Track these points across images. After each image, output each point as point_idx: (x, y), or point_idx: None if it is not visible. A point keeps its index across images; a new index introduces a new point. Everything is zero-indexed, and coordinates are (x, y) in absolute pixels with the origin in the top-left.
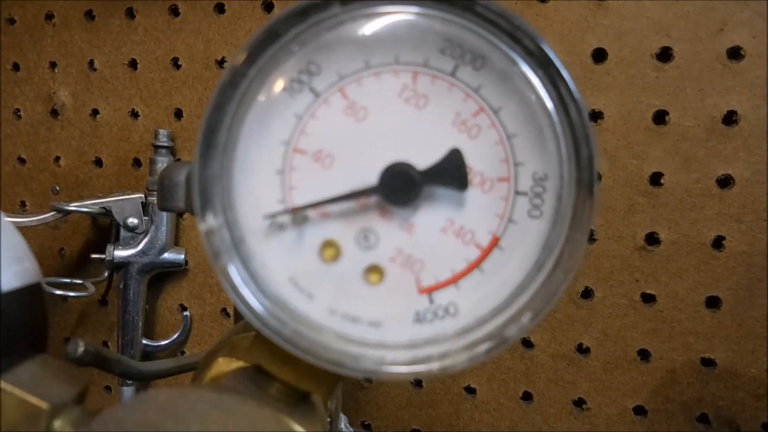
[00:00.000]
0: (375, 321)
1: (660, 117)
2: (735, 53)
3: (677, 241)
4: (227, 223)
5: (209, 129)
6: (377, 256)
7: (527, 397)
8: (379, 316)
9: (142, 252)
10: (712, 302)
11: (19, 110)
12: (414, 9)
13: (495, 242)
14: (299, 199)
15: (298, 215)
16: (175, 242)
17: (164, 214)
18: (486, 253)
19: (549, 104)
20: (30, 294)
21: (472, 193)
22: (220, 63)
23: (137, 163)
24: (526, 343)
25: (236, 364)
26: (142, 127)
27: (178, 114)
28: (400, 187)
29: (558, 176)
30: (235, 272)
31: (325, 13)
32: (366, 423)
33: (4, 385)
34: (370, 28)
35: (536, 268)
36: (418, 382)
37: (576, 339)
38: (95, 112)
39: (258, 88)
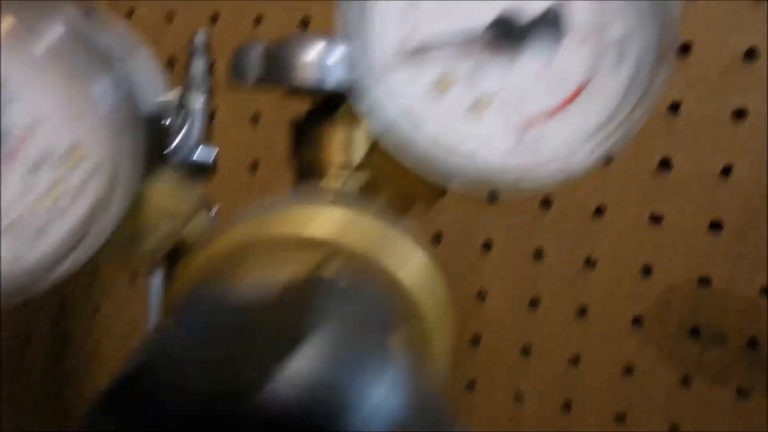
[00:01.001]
0: (474, 147)
1: (685, 48)
2: None
3: (688, 168)
4: (359, 55)
5: None
6: (481, 93)
7: (534, 303)
8: (478, 143)
9: (174, 151)
10: (715, 226)
11: None
12: None
13: (583, 86)
14: (419, 41)
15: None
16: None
17: (198, 112)
18: (575, 94)
19: None
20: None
21: (567, 42)
22: None
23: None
24: (537, 254)
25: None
26: (179, 29)
27: (215, 18)
28: (508, 33)
29: (642, 36)
30: (371, 102)
31: None
32: None
33: (158, 182)
34: None
35: (616, 108)
36: None
37: (586, 251)
38: (131, 12)
39: None
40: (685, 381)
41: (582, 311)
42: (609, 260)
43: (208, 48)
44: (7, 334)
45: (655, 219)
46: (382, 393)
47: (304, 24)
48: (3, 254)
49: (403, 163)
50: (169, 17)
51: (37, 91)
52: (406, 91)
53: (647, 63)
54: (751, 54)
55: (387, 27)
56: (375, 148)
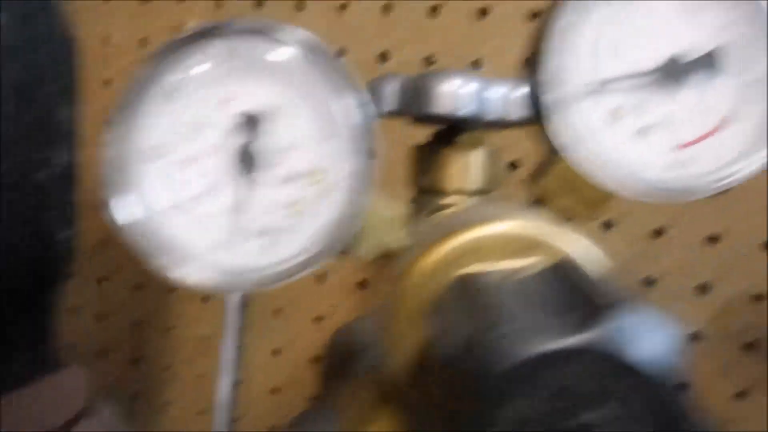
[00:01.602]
0: (639, 166)
1: None
2: None
3: (746, 185)
4: (553, 89)
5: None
6: (647, 120)
7: None
8: (642, 163)
9: None
10: None
11: (146, 39)
12: None
13: (732, 115)
14: (601, 76)
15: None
16: None
17: None
18: (724, 122)
19: None
20: None
21: (720, 81)
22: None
23: None
24: None
25: None
26: None
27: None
28: (674, 70)
29: None
30: (561, 127)
31: None
32: None
33: (378, 195)
34: None
35: (760, 133)
36: None
37: (644, 271)
38: None
39: None
40: (742, 395)
41: None
42: (667, 279)
43: None
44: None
45: (712, 239)
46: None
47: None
48: (262, 248)
49: (582, 174)
50: None
51: (294, 116)
52: (588, 119)
53: None
54: None
55: (577, 68)
56: (555, 164)
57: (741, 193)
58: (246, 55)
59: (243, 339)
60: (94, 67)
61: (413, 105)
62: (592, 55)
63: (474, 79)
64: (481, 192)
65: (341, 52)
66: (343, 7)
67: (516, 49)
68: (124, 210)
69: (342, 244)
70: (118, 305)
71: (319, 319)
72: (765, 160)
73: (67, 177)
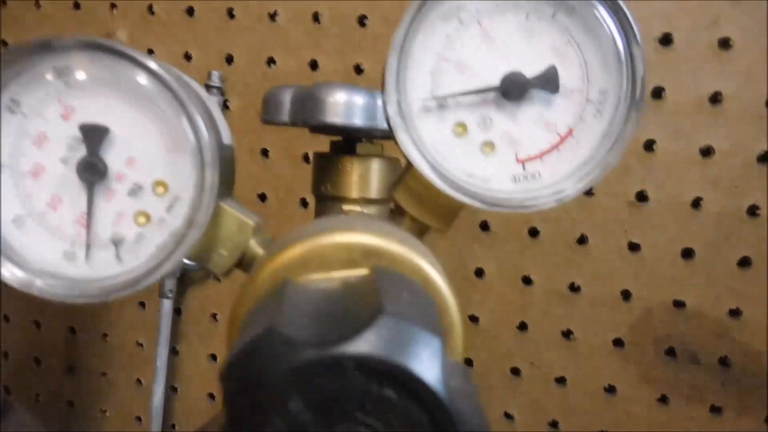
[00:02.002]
0: (485, 178)
1: (657, 93)
2: (725, 44)
3: (662, 199)
4: (399, 103)
5: (400, 40)
6: (491, 135)
7: (523, 326)
8: (488, 175)
9: None
10: (687, 253)
11: None
12: None
13: (570, 132)
14: (443, 92)
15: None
16: None
17: None
18: (563, 139)
19: (618, 42)
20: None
21: (557, 98)
22: (272, 16)
23: None
24: (526, 281)
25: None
26: (194, 69)
27: (229, 60)
28: (515, 88)
29: (616, 92)
30: (408, 140)
31: None
32: None
33: (226, 206)
34: None
35: (595, 150)
36: None
37: (570, 279)
38: (150, 52)
39: (426, 14)
40: (663, 399)
41: (567, 334)
42: (591, 286)
43: (222, 88)
44: (16, 356)
45: (633, 247)
46: (436, 349)
47: (313, 67)
48: (109, 258)
49: (433, 186)
50: (187, 57)
51: (133, 134)
52: (435, 133)
53: (621, 113)
54: (715, 98)
55: (419, 84)
56: (408, 174)
57: (660, 204)
58: (90, 70)
59: (179, 345)
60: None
61: (307, 115)
62: (434, 72)
63: (362, 90)
64: (379, 201)
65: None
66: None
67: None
68: None
69: (186, 252)
70: (52, 313)
71: None
72: (598, 175)
73: None
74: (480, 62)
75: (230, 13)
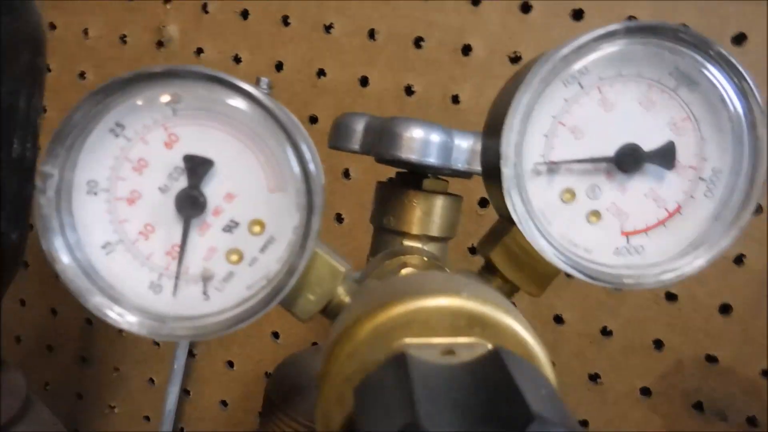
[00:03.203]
0: (588, 248)
1: None
2: None
3: None
4: (515, 164)
5: (525, 101)
6: (598, 204)
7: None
8: (591, 245)
9: None
10: (725, 308)
11: (125, 36)
12: (656, 40)
13: (678, 209)
14: (555, 157)
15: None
16: None
17: None
18: (671, 215)
19: (742, 122)
20: None
21: (671, 174)
22: (328, 28)
23: None
24: (558, 319)
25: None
26: (242, 73)
27: (279, 66)
28: (630, 161)
29: (731, 171)
30: (519, 201)
31: (608, 37)
32: None
33: (319, 251)
34: (627, 49)
35: (705, 232)
36: None
37: (602, 322)
38: (200, 51)
39: (548, 78)
40: None
41: (594, 378)
42: (623, 331)
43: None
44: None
45: (671, 296)
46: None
47: (363, 83)
48: (196, 294)
49: (531, 249)
50: (237, 60)
51: (236, 169)
52: (542, 197)
53: (737, 196)
54: None
55: (534, 146)
56: (507, 235)
57: None
58: (197, 100)
59: (196, 348)
60: (69, 60)
61: (380, 146)
62: (547, 136)
63: (439, 128)
64: (441, 239)
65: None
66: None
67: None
68: (59, 246)
69: (280, 298)
70: (70, 301)
71: (276, 335)
72: (710, 256)
73: (24, 170)
74: (596, 130)
75: (285, 21)
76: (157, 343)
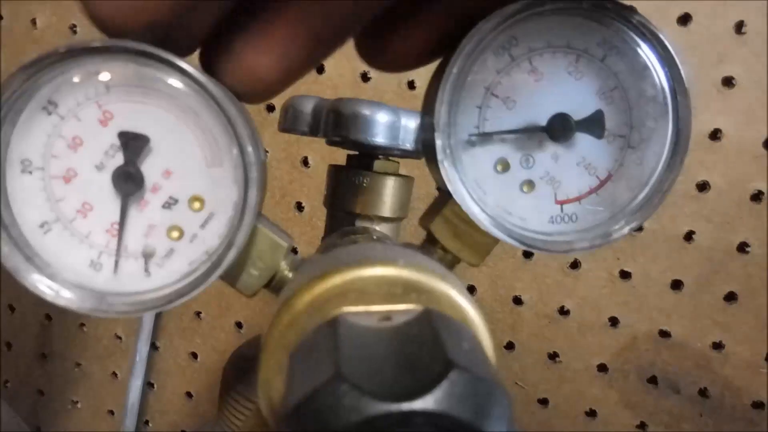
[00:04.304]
0: (523, 216)
1: None
2: (728, 82)
3: (656, 230)
4: (449, 135)
5: (456, 72)
6: (532, 174)
7: (510, 346)
8: (526, 214)
9: None
10: (676, 285)
11: (75, 26)
12: (581, 11)
13: (609, 177)
14: (488, 128)
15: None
16: None
17: None
18: (603, 183)
19: (666, 90)
20: None
21: (601, 142)
22: None
23: None
24: (517, 301)
25: None
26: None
27: None
28: (560, 130)
29: (657, 140)
30: (453, 173)
31: (535, 7)
32: None
33: (261, 226)
34: (555, 19)
35: (634, 196)
36: None
37: (560, 302)
38: None
39: (481, 48)
40: (642, 426)
41: (553, 356)
42: (580, 310)
43: None
44: None
45: (625, 275)
46: (505, 402)
47: (364, 79)
48: (137, 271)
49: (468, 219)
50: None
51: (172, 145)
52: (477, 167)
53: (663, 162)
54: (715, 134)
55: (468, 118)
56: (446, 207)
57: (654, 234)
58: (132, 77)
59: (159, 340)
60: (17, 51)
61: (328, 127)
62: (480, 107)
63: (386, 108)
64: (392, 219)
65: None
66: None
67: None
68: None
69: (221, 273)
70: (29, 298)
71: (239, 325)
72: (640, 222)
73: None
74: (528, 101)
75: None
76: (119, 337)
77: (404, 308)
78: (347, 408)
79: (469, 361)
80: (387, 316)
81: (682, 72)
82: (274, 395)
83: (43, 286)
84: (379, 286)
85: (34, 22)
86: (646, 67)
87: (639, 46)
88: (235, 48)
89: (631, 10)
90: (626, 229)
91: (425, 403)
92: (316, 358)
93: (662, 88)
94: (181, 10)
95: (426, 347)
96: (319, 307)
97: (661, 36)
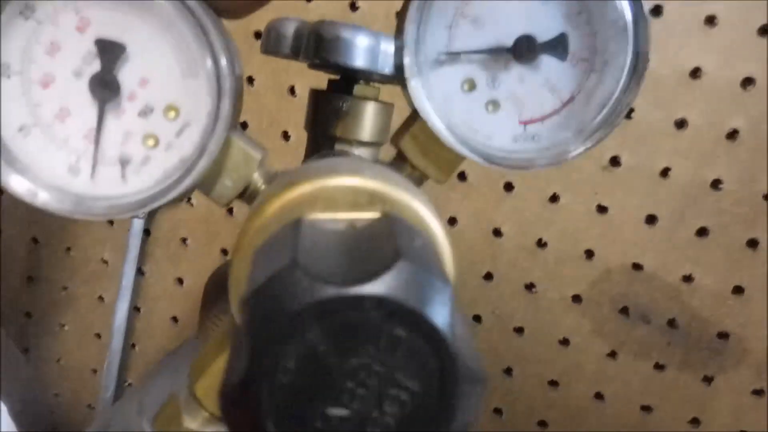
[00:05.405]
0: (488, 135)
1: None
2: (710, 20)
3: (634, 166)
4: (416, 54)
5: None
6: (497, 94)
7: (489, 277)
8: (490, 132)
9: None
10: (651, 219)
11: None
12: None
13: (571, 99)
14: (457, 47)
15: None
16: None
17: None
18: (565, 104)
19: (627, 15)
20: None
21: (565, 65)
22: None
23: None
24: (496, 233)
25: None
26: None
27: None
28: (526, 51)
29: (620, 63)
30: (420, 91)
31: None
32: None
33: (234, 138)
34: None
35: (593, 117)
36: None
37: (538, 234)
38: None
39: None
40: (613, 354)
41: (530, 287)
42: (557, 243)
43: None
44: None
45: (602, 209)
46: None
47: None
48: (114, 177)
49: (435, 136)
50: None
51: (149, 54)
52: (444, 86)
53: (621, 85)
54: (695, 72)
55: (437, 37)
56: (415, 124)
57: (631, 170)
58: None
59: (145, 266)
60: None
61: (310, 51)
62: (449, 27)
63: (366, 31)
64: (371, 144)
65: None
66: None
67: None
68: None
69: (194, 180)
70: (15, 221)
71: (225, 252)
72: (594, 143)
73: None
74: (495, 22)
75: None
76: (105, 261)
77: (369, 216)
78: (301, 292)
79: (417, 256)
80: (352, 224)
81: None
82: (241, 292)
83: (21, 187)
84: (346, 194)
85: None
86: None
87: None
88: None
89: None
90: (582, 149)
91: (372, 288)
92: (277, 252)
93: (623, 13)
94: None
95: (380, 243)
96: (287, 212)
97: None
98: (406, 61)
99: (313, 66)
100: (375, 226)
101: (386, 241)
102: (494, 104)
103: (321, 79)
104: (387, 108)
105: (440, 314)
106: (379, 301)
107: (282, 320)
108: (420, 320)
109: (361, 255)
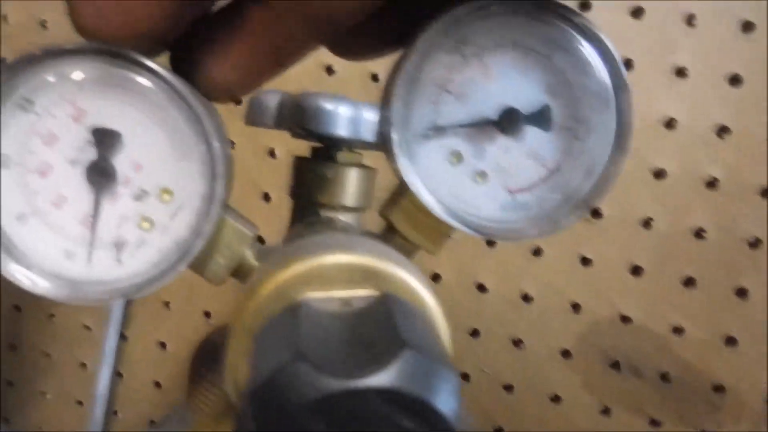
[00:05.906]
0: (477, 206)
1: None
2: (681, 72)
3: (615, 216)
4: (403, 130)
5: (411, 69)
6: (484, 165)
7: (475, 333)
8: (480, 203)
9: None
10: (636, 270)
11: (45, 22)
12: (525, 11)
13: (557, 168)
14: (443, 122)
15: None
16: None
17: None
18: (551, 173)
19: (608, 86)
20: None
21: (549, 135)
22: None
23: None
24: (480, 288)
25: None
26: None
27: None
28: (510, 124)
29: (605, 132)
30: (408, 166)
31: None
32: None
33: (227, 217)
34: (502, 20)
35: (581, 186)
36: None
37: (522, 288)
38: None
39: (435, 48)
40: (606, 410)
41: (517, 342)
42: (542, 296)
43: None
44: None
45: (585, 261)
46: (454, 382)
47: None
48: (110, 260)
49: (425, 209)
50: None
51: (142, 139)
52: (431, 160)
53: (606, 152)
54: (670, 123)
55: (423, 113)
56: (403, 197)
57: (613, 220)
58: (103, 75)
59: (128, 330)
60: None
61: (294, 121)
62: (435, 102)
63: (347, 101)
64: (355, 209)
65: None
66: None
67: None
68: None
69: (189, 262)
70: None
71: (207, 314)
72: (582, 213)
73: None
74: (479, 96)
75: None
76: (88, 327)
77: (364, 293)
78: (306, 386)
79: (421, 342)
80: (348, 302)
81: (622, 69)
82: (240, 378)
83: (21, 275)
84: (340, 272)
85: (5, 18)
86: (589, 65)
87: (582, 45)
88: (200, 58)
89: (572, 11)
90: (573, 218)
91: (379, 380)
92: (279, 341)
93: (605, 84)
94: (163, 28)
95: (381, 329)
96: (283, 293)
97: (602, 36)
98: (395, 137)
99: (295, 135)
100: (372, 308)
101: (386, 325)
102: (481, 175)
103: (300, 143)
104: (370, 173)
105: (448, 404)
106: (385, 394)
107: (289, 415)
108: (429, 412)
109: (363, 342)
